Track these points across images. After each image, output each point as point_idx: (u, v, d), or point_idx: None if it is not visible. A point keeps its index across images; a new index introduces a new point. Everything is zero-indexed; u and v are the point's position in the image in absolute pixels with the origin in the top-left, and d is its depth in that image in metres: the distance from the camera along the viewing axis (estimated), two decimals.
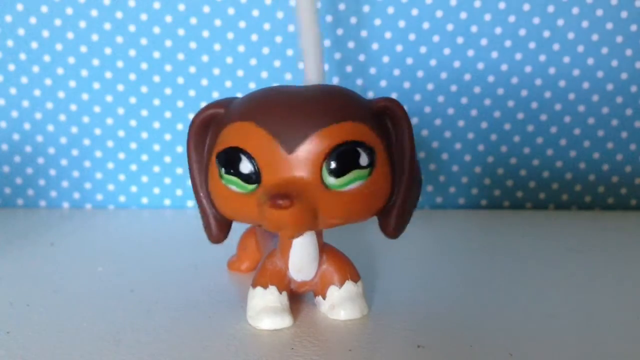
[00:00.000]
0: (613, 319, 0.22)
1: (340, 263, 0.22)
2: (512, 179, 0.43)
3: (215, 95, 0.41)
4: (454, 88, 0.41)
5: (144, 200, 0.43)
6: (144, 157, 0.42)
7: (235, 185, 0.19)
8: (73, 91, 0.41)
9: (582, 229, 0.37)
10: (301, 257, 0.21)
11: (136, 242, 0.33)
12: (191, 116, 0.41)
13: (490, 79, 0.41)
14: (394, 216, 0.20)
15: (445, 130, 0.42)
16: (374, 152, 0.19)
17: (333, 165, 0.18)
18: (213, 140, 0.20)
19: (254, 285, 0.22)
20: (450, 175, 0.43)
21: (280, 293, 0.21)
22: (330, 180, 0.18)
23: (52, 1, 0.39)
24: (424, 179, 0.43)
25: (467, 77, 0.41)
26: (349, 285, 0.22)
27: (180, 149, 0.42)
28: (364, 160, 0.18)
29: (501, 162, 0.43)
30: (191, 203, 0.43)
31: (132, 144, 0.42)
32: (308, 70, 0.31)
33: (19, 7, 0.39)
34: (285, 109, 0.19)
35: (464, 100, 0.41)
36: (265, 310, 0.21)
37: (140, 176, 0.42)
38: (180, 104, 0.41)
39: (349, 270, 0.22)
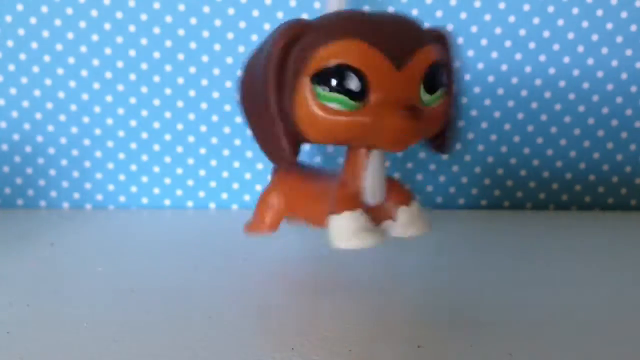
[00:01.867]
0: (613, 319, 0.22)
1: (400, 185, 0.24)
2: (512, 179, 0.43)
3: (216, 96, 0.41)
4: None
5: (144, 200, 0.43)
6: (144, 157, 0.42)
7: (339, 102, 0.19)
8: (73, 91, 0.41)
9: (582, 229, 0.37)
10: (376, 179, 0.22)
11: (136, 242, 0.33)
12: (191, 116, 0.41)
13: (490, 79, 0.41)
14: (450, 132, 0.23)
15: None
16: (446, 72, 0.21)
17: (429, 82, 0.20)
18: (302, 62, 0.20)
19: (339, 212, 0.22)
20: (450, 175, 0.43)
21: (360, 214, 0.22)
22: (426, 97, 0.20)
23: (52, 1, 0.39)
24: (424, 179, 0.43)
25: (467, 77, 0.41)
26: (414, 204, 0.23)
27: (180, 148, 0.42)
28: (445, 79, 0.21)
29: (501, 162, 0.43)
30: (191, 203, 0.43)
31: (132, 144, 0.42)
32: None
33: (19, 7, 0.39)
34: (391, 27, 0.20)
35: (464, 100, 0.41)
36: (361, 229, 0.22)
37: (140, 176, 0.42)
38: (180, 104, 0.41)
39: (409, 190, 0.24)
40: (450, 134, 0.23)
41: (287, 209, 0.26)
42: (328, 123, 0.20)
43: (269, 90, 0.21)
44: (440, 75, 0.20)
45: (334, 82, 0.19)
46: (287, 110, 0.21)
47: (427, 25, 0.22)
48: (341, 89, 0.19)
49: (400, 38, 0.20)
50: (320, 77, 0.19)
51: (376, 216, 0.23)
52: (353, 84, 0.19)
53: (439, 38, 0.22)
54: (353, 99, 0.19)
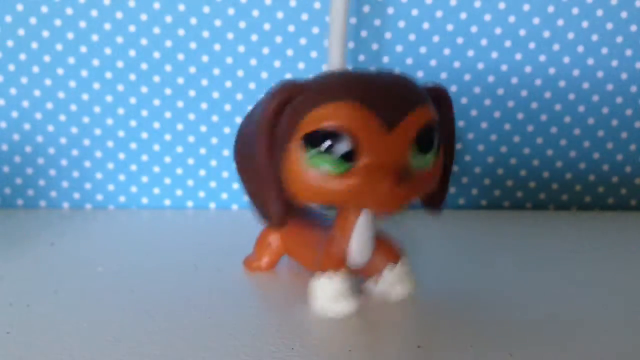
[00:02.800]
0: (613, 318, 0.22)
1: (391, 244, 0.24)
2: (512, 179, 0.43)
3: (216, 96, 0.41)
4: (454, 88, 0.41)
5: (144, 200, 0.43)
6: (144, 157, 0.42)
7: (327, 164, 0.19)
8: (73, 91, 0.41)
9: (582, 229, 0.37)
10: (364, 239, 0.22)
11: (136, 242, 0.33)
12: (191, 116, 0.41)
13: (490, 79, 0.41)
14: (441, 192, 0.23)
15: None
16: (439, 134, 0.21)
17: (420, 145, 0.20)
18: (293, 124, 0.20)
19: (323, 270, 0.22)
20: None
21: (344, 277, 0.23)
22: (416, 159, 0.20)
23: (52, 1, 0.39)
24: None
25: (467, 77, 0.41)
26: (400, 264, 0.24)
27: (181, 148, 0.42)
28: (436, 140, 0.20)
29: (501, 162, 0.43)
30: (191, 203, 0.43)
31: (132, 144, 0.42)
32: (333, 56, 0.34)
33: (19, 7, 0.39)
34: (384, 88, 0.20)
35: (464, 100, 0.41)
36: (332, 296, 0.22)
37: (140, 176, 0.42)
38: (180, 104, 0.41)
39: (399, 250, 0.24)
40: (442, 192, 0.23)
41: (285, 250, 0.27)
42: (317, 185, 0.19)
43: (260, 152, 0.21)
44: (432, 136, 0.20)
45: (324, 144, 0.19)
46: (278, 172, 0.21)
47: (427, 81, 0.23)
48: (331, 151, 0.19)
49: (393, 100, 0.19)
50: (311, 140, 0.19)
51: (362, 272, 0.24)
52: (343, 146, 0.19)
53: (437, 96, 0.22)
54: (343, 161, 0.19)
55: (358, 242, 0.22)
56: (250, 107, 0.41)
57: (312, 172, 0.19)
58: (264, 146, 0.21)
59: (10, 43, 0.40)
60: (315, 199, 0.20)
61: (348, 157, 0.19)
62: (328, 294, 0.22)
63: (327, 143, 0.19)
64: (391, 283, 0.24)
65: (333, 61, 0.37)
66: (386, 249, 0.24)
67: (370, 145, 0.19)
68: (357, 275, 0.24)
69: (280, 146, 0.20)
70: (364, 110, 0.19)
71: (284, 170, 0.20)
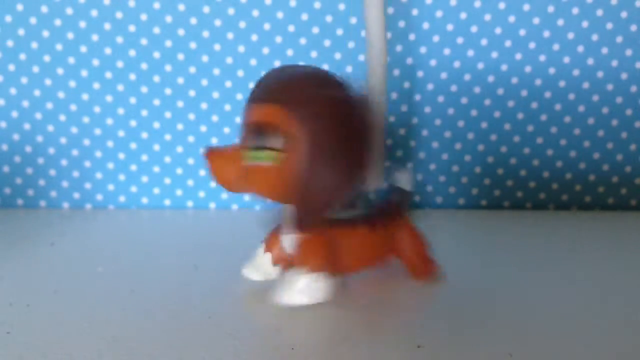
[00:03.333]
0: (613, 318, 0.22)
1: (310, 249, 0.23)
2: (512, 179, 0.43)
3: (216, 96, 0.41)
4: (454, 88, 0.41)
5: (144, 200, 0.43)
6: (144, 157, 0.42)
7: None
8: (73, 91, 0.41)
9: (582, 229, 0.37)
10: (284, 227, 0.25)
11: (136, 242, 0.33)
12: (191, 116, 0.41)
13: (490, 79, 0.41)
14: (302, 209, 0.22)
15: (445, 130, 0.42)
16: (287, 139, 0.20)
17: (252, 138, 0.21)
18: None
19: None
20: (450, 175, 0.43)
21: (265, 253, 0.26)
22: (249, 152, 0.21)
23: (52, 1, 0.39)
24: (424, 179, 0.43)
25: (467, 77, 0.41)
26: (304, 272, 0.23)
27: (181, 148, 0.42)
28: (277, 142, 0.21)
29: (501, 162, 0.43)
30: (191, 203, 0.43)
31: (132, 144, 0.42)
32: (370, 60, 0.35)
33: (19, 7, 0.39)
34: (259, 83, 0.22)
35: (464, 100, 0.41)
36: (252, 263, 0.26)
37: (140, 176, 0.42)
38: (180, 104, 0.41)
39: (308, 261, 0.23)
40: (308, 210, 0.22)
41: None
42: None
43: None
44: (269, 135, 0.21)
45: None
46: None
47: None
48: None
49: (256, 92, 0.22)
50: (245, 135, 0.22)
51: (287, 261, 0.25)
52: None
53: (324, 104, 0.21)
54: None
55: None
56: None
57: (252, 167, 0.22)
58: None
59: (10, 43, 0.40)
60: (258, 193, 0.23)
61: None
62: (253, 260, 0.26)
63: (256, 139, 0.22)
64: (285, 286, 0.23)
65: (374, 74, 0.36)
66: (303, 251, 0.23)
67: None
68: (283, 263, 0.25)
69: None
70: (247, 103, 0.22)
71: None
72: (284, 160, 0.21)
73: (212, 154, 0.22)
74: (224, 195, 0.42)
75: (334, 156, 0.21)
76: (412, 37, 0.40)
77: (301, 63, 0.41)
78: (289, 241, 0.24)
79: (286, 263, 0.25)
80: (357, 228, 0.24)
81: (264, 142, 0.21)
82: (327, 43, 0.40)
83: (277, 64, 0.41)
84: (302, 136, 0.20)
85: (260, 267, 0.26)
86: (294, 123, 0.20)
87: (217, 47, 0.40)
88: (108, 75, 0.41)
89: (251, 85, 0.41)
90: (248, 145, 0.21)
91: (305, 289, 0.23)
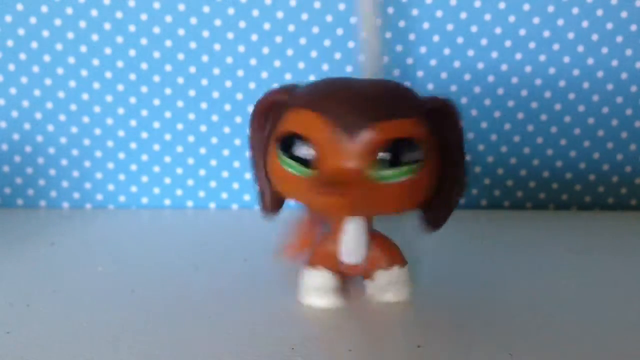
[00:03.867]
0: (613, 318, 0.22)
1: (388, 248, 0.23)
2: (512, 179, 0.43)
3: (216, 96, 0.41)
4: (454, 88, 0.41)
5: (144, 200, 0.43)
6: (144, 157, 0.42)
7: (292, 168, 0.20)
8: (73, 91, 0.41)
9: (582, 229, 0.37)
10: (352, 241, 0.22)
11: (136, 242, 0.33)
12: (191, 116, 0.41)
13: (490, 79, 0.41)
14: (436, 211, 0.22)
15: None
16: (424, 149, 0.20)
17: (387, 157, 0.19)
18: (274, 124, 0.22)
19: (308, 266, 0.23)
20: None
21: (331, 274, 0.23)
22: (382, 172, 0.19)
23: (52, 1, 0.39)
24: None
25: (467, 77, 0.41)
26: (396, 269, 0.23)
27: (181, 148, 0.42)
28: (414, 155, 0.20)
29: (501, 162, 0.43)
30: (191, 203, 0.43)
31: (132, 143, 0.42)
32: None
33: (19, 7, 0.39)
34: (346, 99, 0.20)
35: (464, 100, 0.41)
36: (315, 289, 0.23)
37: (140, 176, 0.42)
38: (180, 104, 0.41)
39: (395, 255, 0.23)
40: (442, 210, 0.22)
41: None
42: (287, 184, 0.21)
43: (251, 146, 0.24)
44: (407, 150, 0.20)
45: (287, 148, 0.20)
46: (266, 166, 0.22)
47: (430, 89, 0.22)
48: (292, 155, 0.20)
49: (357, 110, 0.19)
50: (279, 142, 0.21)
51: (358, 272, 0.24)
52: (302, 152, 0.20)
53: (437, 110, 0.21)
54: (304, 166, 0.20)
55: (347, 243, 0.22)
56: (250, 107, 0.41)
57: (284, 171, 0.20)
58: (253, 142, 0.23)
59: (10, 43, 0.40)
60: (289, 195, 0.22)
61: (311, 162, 0.20)
62: (311, 286, 0.23)
63: (289, 147, 0.20)
64: (382, 287, 0.23)
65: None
66: (384, 252, 0.23)
67: (327, 153, 0.19)
68: (352, 275, 0.24)
69: (265, 144, 0.22)
70: (323, 119, 0.19)
71: (268, 167, 0.22)
72: (421, 171, 0.20)
73: (343, 191, 0.19)
74: (224, 195, 0.43)
75: (461, 155, 0.22)
76: (412, 37, 0.40)
77: (301, 63, 0.41)
78: (361, 249, 0.23)
79: (342, 277, 0.24)
80: None
81: (401, 158, 0.20)
82: (327, 43, 0.40)
83: (277, 64, 0.41)
84: (435, 143, 0.21)
85: (330, 289, 0.23)
86: (426, 132, 0.20)
87: (217, 47, 0.40)
88: (108, 75, 0.41)
89: (251, 85, 0.41)
90: (374, 166, 0.19)
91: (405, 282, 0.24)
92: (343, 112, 0.19)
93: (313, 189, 0.19)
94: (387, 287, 0.23)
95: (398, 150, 0.19)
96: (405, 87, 0.22)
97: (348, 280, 0.25)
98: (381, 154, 0.19)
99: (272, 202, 0.24)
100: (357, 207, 0.19)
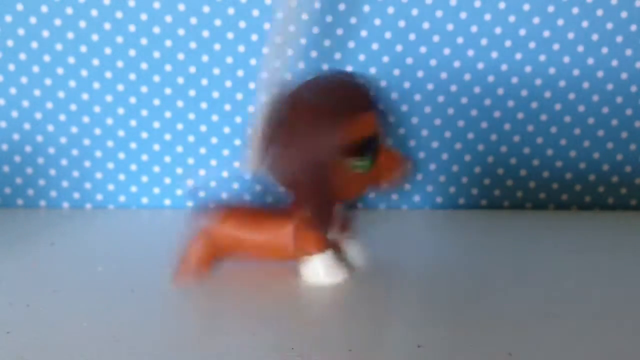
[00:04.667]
0: (613, 318, 0.22)
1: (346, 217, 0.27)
2: (512, 179, 0.43)
3: (216, 96, 0.41)
4: (454, 88, 0.41)
5: (144, 200, 0.43)
6: (144, 157, 0.42)
7: (364, 167, 0.24)
8: (73, 91, 0.41)
9: (582, 229, 0.37)
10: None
11: (136, 242, 0.33)
12: (191, 116, 0.41)
13: (490, 79, 0.41)
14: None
15: (445, 130, 0.42)
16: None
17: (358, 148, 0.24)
18: (327, 139, 0.24)
19: (315, 252, 0.26)
20: (450, 175, 0.43)
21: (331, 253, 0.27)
22: (356, 162, 0.24)
23: (52, 1, 0.39)
24: (424, 179, 0.43)
25: (467, 77, 0.41)
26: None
27: (181, 148, 0.42)
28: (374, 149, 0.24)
29: (501, 162, 0.43)
30: (191, 203, 0.43)
31: (132, 144, 0.42)
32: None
33: (19, 7, 0.39)
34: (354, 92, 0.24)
35: (464, 100, 0.41)
36: (335, 267, 0.26)
37: (140, 176, 0.42)
38: (180, 104, 0.41)
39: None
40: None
41: (225, 251, 0.28)
42: (359, 185, 0.25)
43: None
44: (370, 145, 0.24)
45: (366, 152, 0.24)
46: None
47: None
48: (368, 157, 0.24)
49: (359, 102, 0.24)
50: (354, 149, 0.24)
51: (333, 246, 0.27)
52: (373, 149, 0.24)
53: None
54: (371, 161, 0.24)
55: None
56: (250, 107, 0.41)
57: (354, 175, 0.24)
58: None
59: (10, 43, 0.40)
60: (354, 196, 0.26)
61: (371, 155, 0.24)
62: (324, 270, 0.26)
63: (367, 150, 0.23)
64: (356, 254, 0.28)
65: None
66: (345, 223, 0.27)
67: (382, 144, 0.24)
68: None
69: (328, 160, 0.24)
70: (378, 116, 0.24)
71: (333, 178, 0.24)
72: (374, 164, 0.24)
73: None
74: (224, 194, 0.42)
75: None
76: (412, 37, 0.40)
77: (301, 63, 0.41)
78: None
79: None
80: None
81: (370, 150, 0.24)
82: (327, 43, 0.40)
83: (277, 64, 0.41)
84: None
85: (329, 267, 0.26)
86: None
87: (217, 47, 0.40)
88: (108, 75, 0.41)
89: (251, 85, 0.41)
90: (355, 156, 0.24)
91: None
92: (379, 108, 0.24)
93: (387, 169, 0.24)
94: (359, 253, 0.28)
95: (370, 143, 0.24)
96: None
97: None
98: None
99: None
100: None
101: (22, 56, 0.40)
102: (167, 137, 0.42)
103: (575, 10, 0.40)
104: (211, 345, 0.19)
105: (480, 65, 0.41)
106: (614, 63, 0.41)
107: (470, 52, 0.41)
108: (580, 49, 0.41)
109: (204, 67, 0.41)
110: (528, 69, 0.41)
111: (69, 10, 0.40)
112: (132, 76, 0.41)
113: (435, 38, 0.40)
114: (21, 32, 0.40)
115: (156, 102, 0.41)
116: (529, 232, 0.36)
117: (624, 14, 0.40)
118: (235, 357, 0.18)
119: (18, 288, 0.25)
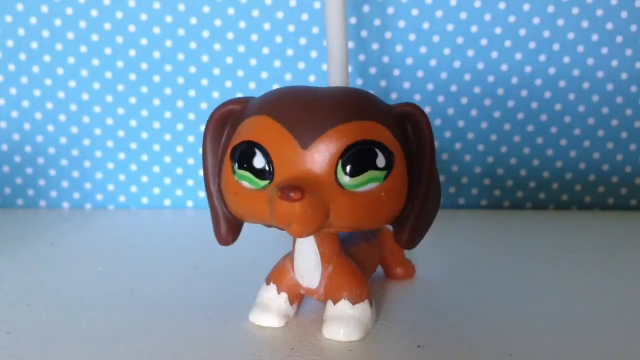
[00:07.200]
0: (613, 318, 0.22)
1: (343, 279, 0.20)
2: (512, 179, 0.43)
3: (216, 96, 0.41)
4: (454, 88, 0.41)
5: (144, 200, 0.43)
6: (144, 157, 0.42)
7: (247, 180, 0.18)
8: (73, 91, 0.41)
9: (582, 229, 0.37)
10: (301, 262, 0.21)
11: (136, 242, 0.33)
12: (191, 116, 0.41)
13: (490, 79, 0.41)
14: (408, 226, 0.19)
15: (445, 130, 0.42)
16: (391, 155, 0.18)
17: (348, 163, 0.17)
18: (229, 137, 0.20)
19: (267, 281, 0.22)
20: (450, 175, 0.43)
21: (279, 293, 0.21)
22: (345, 179, 0.17)
23: (52, 1, 0.39)
24: None
25: (467, 77, 0.41)
26: (343, 304, 0.20)
27: (181, 148, 0.42)
28: (380, 161, 0.18)
29: (501, 162, 0.43)
30: (191, 203, 0.43)
31: (132, 144, 0.42)
32: (332, 73, 0.32)
33: (19, 7, 0.39)
34: (302, 104, 0.18)
35: (464, 100, 0.41)
36: (259, 305, 0.21)
37: (140, 176, 0.42)
38: (180, 104, 0.41)
39: (349, 289, 0.20)
40: (411, 225, 0.19)
41: None
42: (242, 201, 0.19)
43: (205, 165, 0.21)
44: (371, 156, 0.18)
45: (241, 158, 0.18)
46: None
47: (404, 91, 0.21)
48: (247, 166, 0.18)
49: (312, 115, 0.18)
50: (233, 153, 0.18)
51: (314, 295, 0.21)
52: (258, 161, 0.18)
53: (404, 116, 0.19)
54: (259, 177, 0.18)
55: (298, 265, 0.21)
56: None
57: (238, 187, 0.18)
58: (206, 157, 0.20)
59: (10, 43, 0.40)
60: (244, 216, 0.19)
61: (266, 173, 0.18)
62: (258, 301, 0.22)
63: (243, 157, 0.18)
64: (325, 319, 0.20)
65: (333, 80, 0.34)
66: (337, 283, 0.20)
67: (283, 162, 0.17)
68: (314, 298, 0.22)
69: (220, 159, 0.20)
70: (277, 125, 0.18)
71: (222, 183, 0.20)
72: (387, 180, 0.18)
73: (303, 195, 0.16)
74: None
75: (433, 165, 0.19)
76: (412, 37, 0.40)
77: (301, 63, 0.41)
78: (312, 272, 0.21)
79: (300, 299, 0.22)
80: (358, 244, 0.23)
81: (363, 165, 0.17)
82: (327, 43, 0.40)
83: (277, 64, 0.41)
84: (403, 151, 0.19)
85: (274, 308, 0.21)
86: (392, 138, 0.18)
87: (217, 47, 0.40)
88: (108, 75, 0.41)
89: (251, 85, 0.41)
90: (334, 174, 0.17)
91: (359, 322, 0.20)
92: (296, 116, 0.18)
93: (269, 198, 0.17)
94: (328, 320, 0.20)
95: (360, 155, 0.17)
96: (369, 94, 0.20)
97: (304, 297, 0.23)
98: (341, 160, 0.17)
99: (228, 228, 0.21)
100: (317, 215, 0.17)
101: (22, 56, 0.40)
102: (167, 137, 0.42)
103: (575, 11, 0.40)
104: (211, 345, 0.19)
105: (480, 65, 0.41)
106: (614, 63, 0.41)
107: (470, 52, 0.41)
108: (580, 49, 0.41)
109: (204, 67, 0.41)
110: (528, 69, 0.41)
111: (69, 11, 0.40)
112: (132, 76, 0.41)
113: (435, 38, 0.40)
114: (21, 32, 0.40)
115: (156, 102, 0.41)
116: (529, 232, 0.36)
117: (624, 14, 0.40)
118: (235, 357, 0.18)
119: (18, 288, 0.25)
